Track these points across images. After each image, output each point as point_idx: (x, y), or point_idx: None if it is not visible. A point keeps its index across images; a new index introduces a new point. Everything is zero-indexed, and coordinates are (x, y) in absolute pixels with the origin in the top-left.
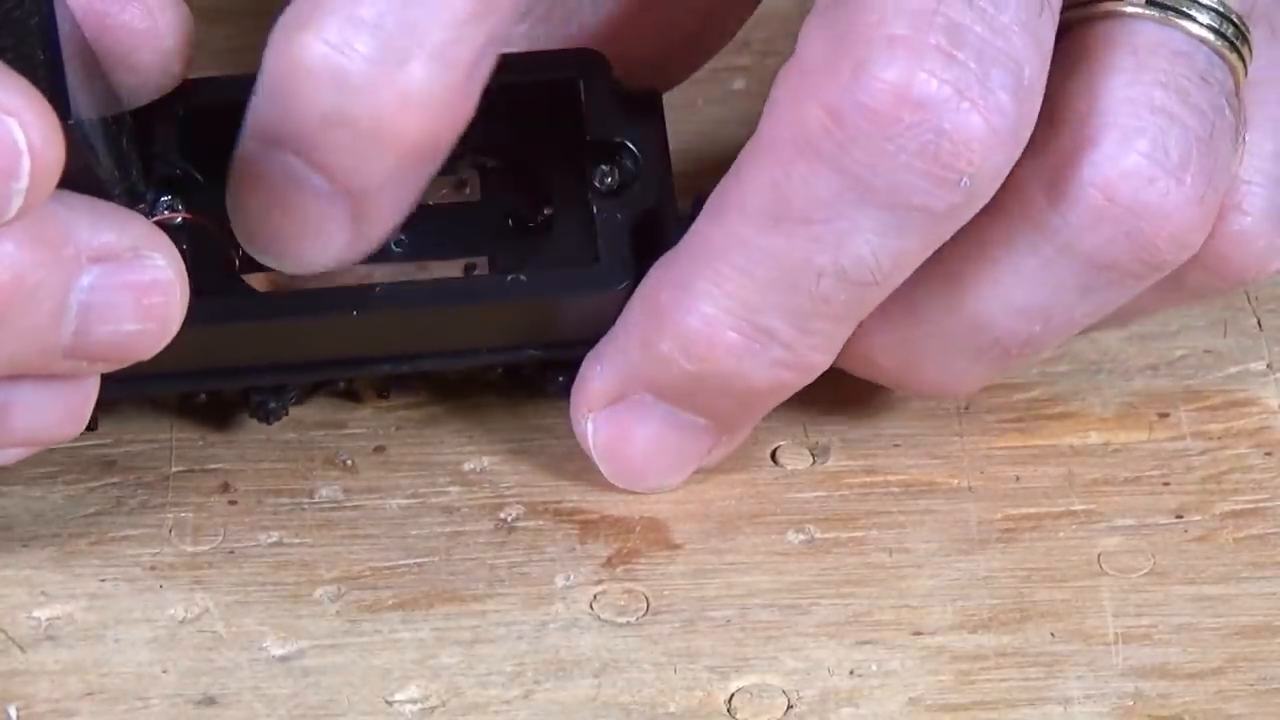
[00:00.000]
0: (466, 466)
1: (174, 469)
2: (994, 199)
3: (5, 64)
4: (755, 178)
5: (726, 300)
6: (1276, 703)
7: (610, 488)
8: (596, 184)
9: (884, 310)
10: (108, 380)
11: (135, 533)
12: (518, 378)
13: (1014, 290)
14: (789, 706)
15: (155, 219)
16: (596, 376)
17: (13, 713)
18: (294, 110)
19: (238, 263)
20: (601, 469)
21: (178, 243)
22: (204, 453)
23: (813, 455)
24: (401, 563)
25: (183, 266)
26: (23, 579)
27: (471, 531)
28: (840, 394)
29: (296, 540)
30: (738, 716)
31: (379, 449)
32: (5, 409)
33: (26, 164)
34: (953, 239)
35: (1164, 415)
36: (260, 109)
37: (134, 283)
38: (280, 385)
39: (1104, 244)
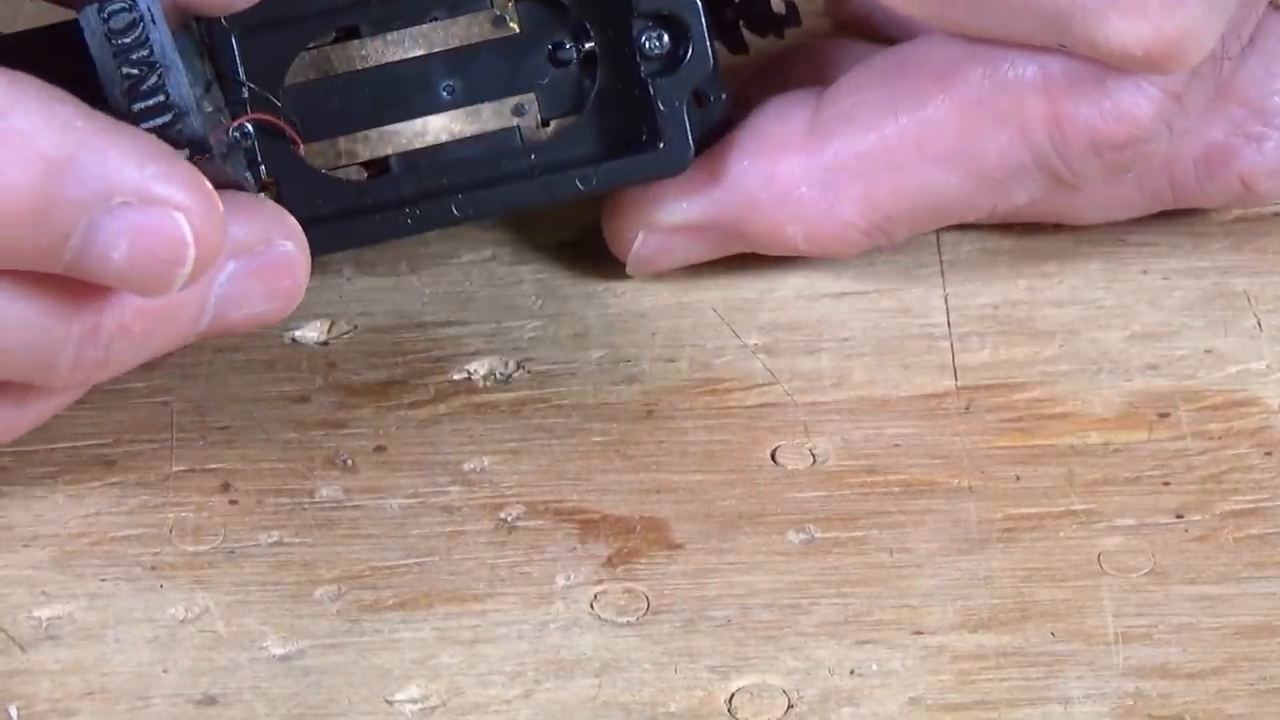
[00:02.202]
0: (466, 466)
1: (174, 469)
2: None
3: (159, 141)
4: (945, 117)
5: (872, 210)
6: (1276, 703)
7: (610, 488)
8: (645, 47)
9: None
10: None
11: (135, 533)
12: None
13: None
14: (789, 706)
15: (234, 123)
16: (672, 202)
17: (13, 712)
18: None
19: (301, 148)
20: (624, 263)
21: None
22: (204, 453)
23: (813, 455)
24: (402, 563)
25: (304, 239)
26: (23, 579)
27: (471, 531)
28: (840, 394)
29: (296, 540)
30: (738, 716)
31: (379, 449)
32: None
33: (192, 253)
34: None
35: (1164, 415)
36: None
37: (266, 270)
38: None
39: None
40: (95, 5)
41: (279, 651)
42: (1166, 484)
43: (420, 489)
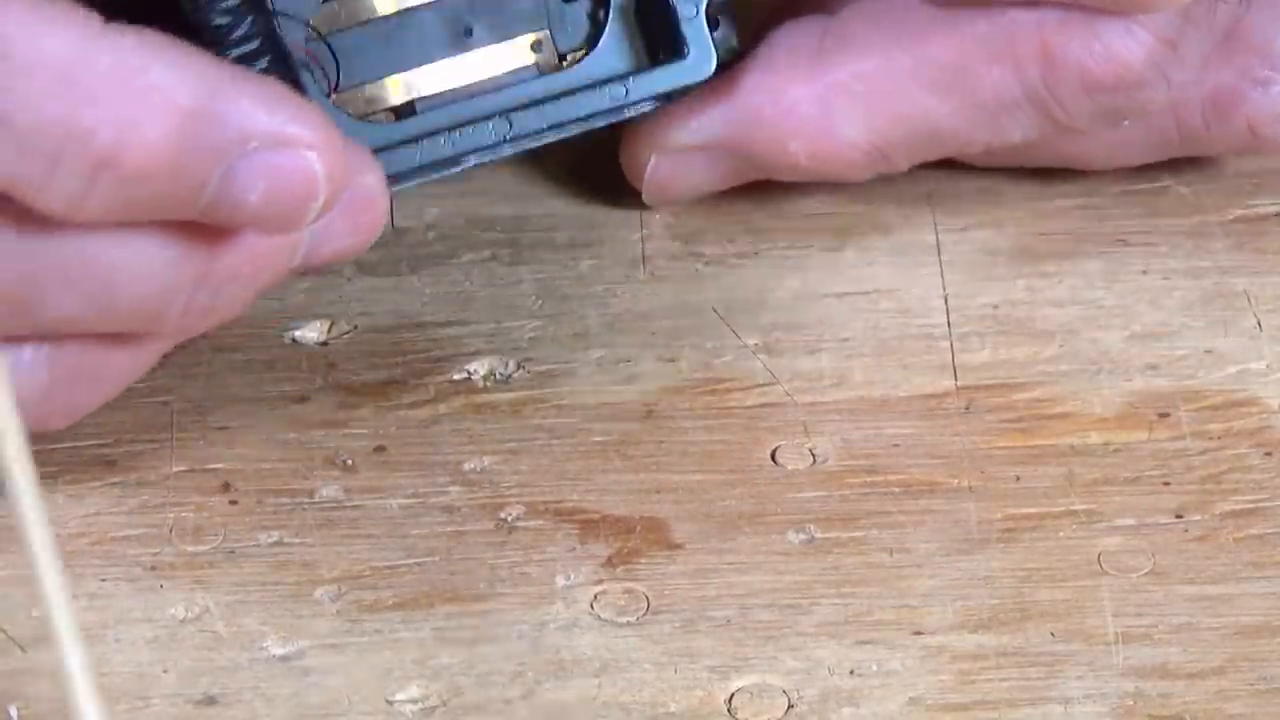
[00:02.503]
0: (466, 466)
1: (174, 469)
2: None
3: (282, 87)
4: (942, 51)
5: (872, 132)
6: (1276, 703)
7: (610, 488)
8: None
9: None
10: None
11: (135, 533)
12: None
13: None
14: (789, 706)
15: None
16: (683, 123)
17: (13, 713)
18: None
19: (333, 92)
20: (640, 189)
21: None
22: (204, 453)
23: (813, 455)
24: (401, 563)
25: (383, 174)
26: (23, 579)
27: (471, 531)
28: (840, 394)
29: (296, 540)
30: (738, 716)
31: (379, 449)
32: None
33: (324, 188)
34: None
35: (1164, 415)
36: None
37: (352, 207)
38: None
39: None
40: None
41: (279, 651)
42: (1166, 484)
43: (420, 489)
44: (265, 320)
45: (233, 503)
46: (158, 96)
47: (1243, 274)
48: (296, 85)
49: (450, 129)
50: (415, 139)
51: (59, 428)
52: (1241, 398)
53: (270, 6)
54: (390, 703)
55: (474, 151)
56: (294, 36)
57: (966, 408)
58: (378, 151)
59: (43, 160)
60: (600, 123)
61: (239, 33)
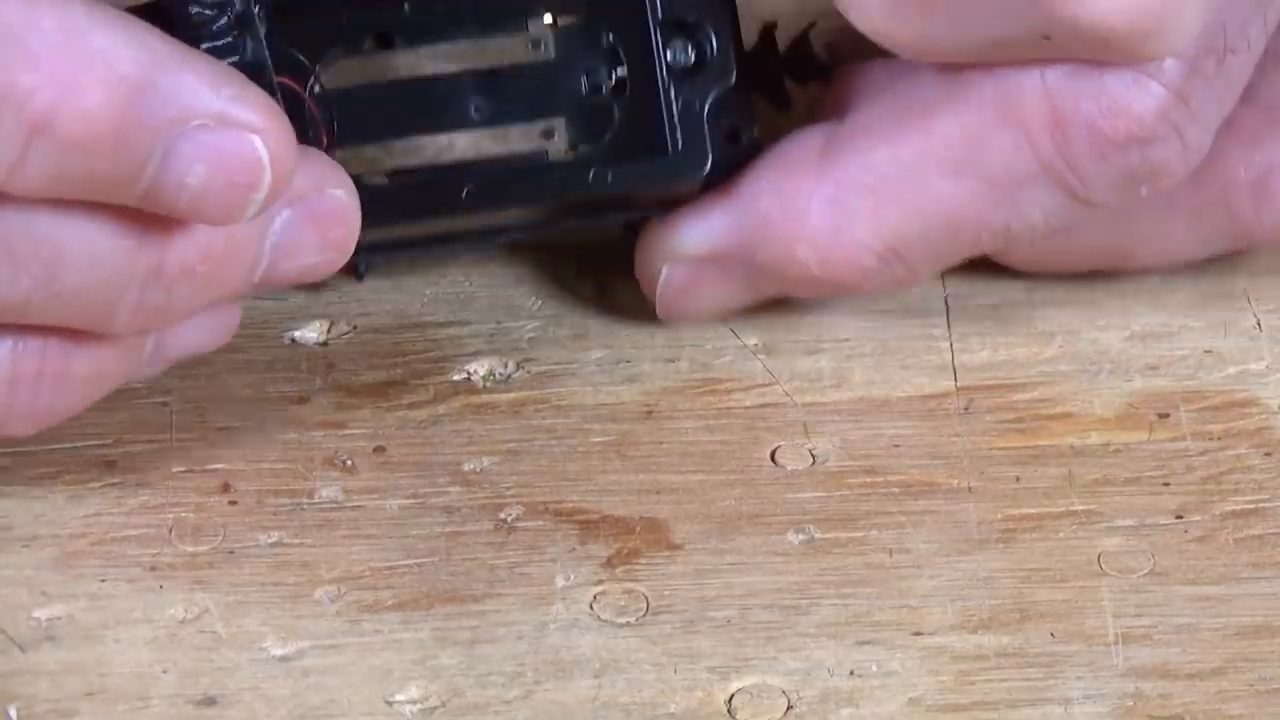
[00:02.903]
0: (466, 466)
1: (174, 469)
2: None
3: (231, 69)
4: (950, 127)
5: (885, 230)
6: (1277, 703)
7: (610, 488)
8: (670, 61)
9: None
10: None
11: (135, 533)
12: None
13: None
14: (789, 707)
15: (279, 79)
16: (691, 229)
17: (13, 713)
18: None
19: (325, 140)
20: (654, 303)
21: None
22: (204, 453)
23: (813, 455)
24: (401, 563)
25: (356, 191)
26: (23, 579)
27: (471, 531)
28: (840, 394)
29: (296, 540)
30: (738, 717)
31: (379, 449)
32: (163, 339)
33: (268, 176)
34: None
35: (1164, 415)
36: None
37: (319, 218)
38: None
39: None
40: None
41: (279, 652)
42: (1166, 484)
43: (420, 489)
44: (265, 320)
45: (233, 503)
46: (99, 62)
47: (1243, 274)
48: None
49: (436, 209)
50: (401, 211)
51: (21, 434)
52: (1241, 398)
53: (259, 33)
54: (390, 703)
55: (444, 209)
56: (297, 74)
57: (966, 408)
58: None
59: None
60: (592, 219)
61: (216, 25)
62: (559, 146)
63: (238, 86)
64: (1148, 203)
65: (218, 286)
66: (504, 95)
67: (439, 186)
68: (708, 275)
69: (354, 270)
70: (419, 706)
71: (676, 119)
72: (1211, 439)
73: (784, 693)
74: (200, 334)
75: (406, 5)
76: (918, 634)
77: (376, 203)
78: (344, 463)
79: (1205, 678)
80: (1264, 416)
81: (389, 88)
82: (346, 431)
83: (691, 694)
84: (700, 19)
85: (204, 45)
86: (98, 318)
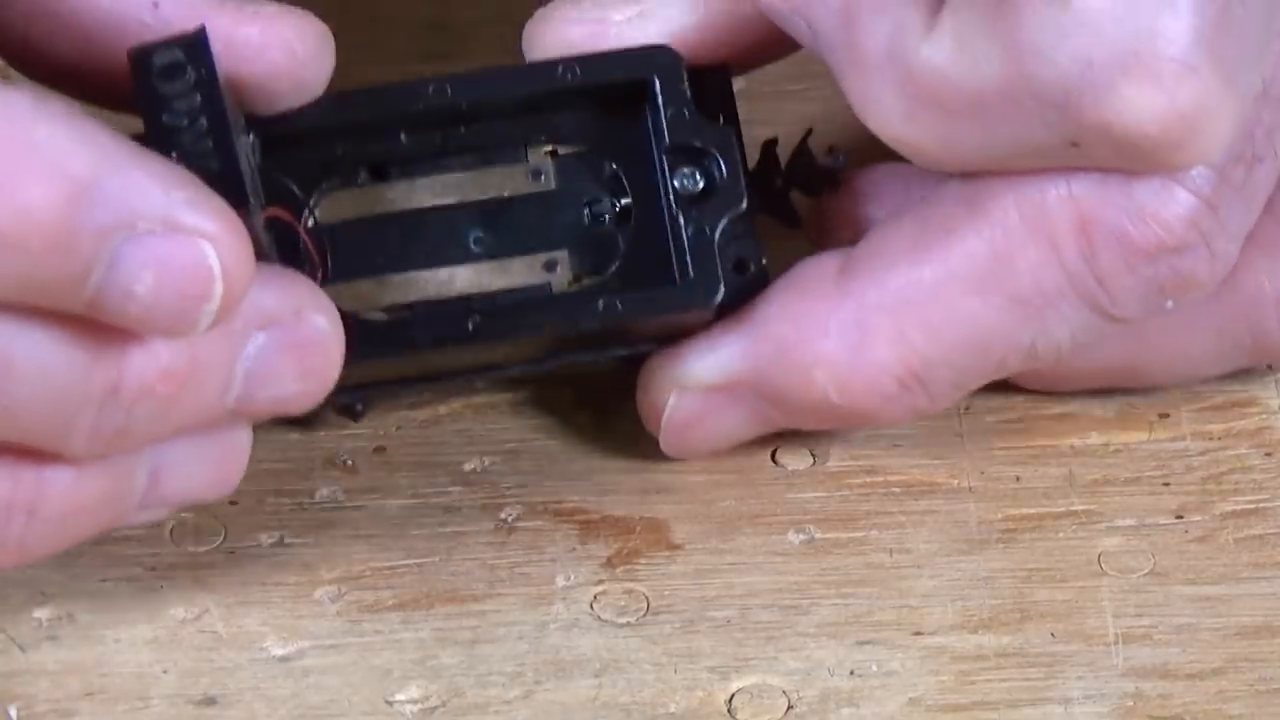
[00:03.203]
0: (466, 466)
1: None
2: None
3: (188, 170)
4: (974, 243)
5: (907, 353)
6: (1277, 703)
7: (610, 488)
8: (676, 186)
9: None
10: None
11: (135, 533)
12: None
13: (1178, 347)
14: (789, 707)
15: (267, 212)
16: (701, 358)
17: (13, 713)
18: None
19: (319, 274)
20: (659, 438)
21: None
22: None
23: (813, 455)
24: (401, 563)
25: (339, 320)
26: (23, 579)
27: (471, 531)
28: None
29: (296, 540)
30: (738, 717)
31: (379, 449)
32: (156, 474)
33: (220, 288)
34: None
35: (1164, 415)
36: None
37: (297, 345)
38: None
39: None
40: (148, 46)
41: (279, 652)
42: (1166, 484)
43: (420, 489)
44: None
45: (233, 503)
46: (43, 159)
47: None
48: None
49: (437, 343)
50: (400, 347)
51: (3, 567)
52: (1241, 398)
53: (233, 144)
54: (390, 703)
55: (447, 340)
56: (286, 208)
57: (966, 408)
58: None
59: None
60: (592, 354)
61: (189, 134)
62: (562, 279)
63: (191, 190)
64: (1168, 320)
65: (183, 411)
66: (504, 227)
67: (440, 321)
68: (717, 406)
69: (350, 412)
70: (419, 706)
71: (686, 246)
72: (1211, 439)
73: (784, 692)
74: (197, 477)
75: (403, 135)
76: (918, 634)
77: (375, 339)
78: (344, 463)
79: (1205, 678)
80: (1264, 416)
81: (385, 221)
82: (346, 431)
83: (691, 694)
84: (706, 145)
85: (175, 154)
86: (53, 437)
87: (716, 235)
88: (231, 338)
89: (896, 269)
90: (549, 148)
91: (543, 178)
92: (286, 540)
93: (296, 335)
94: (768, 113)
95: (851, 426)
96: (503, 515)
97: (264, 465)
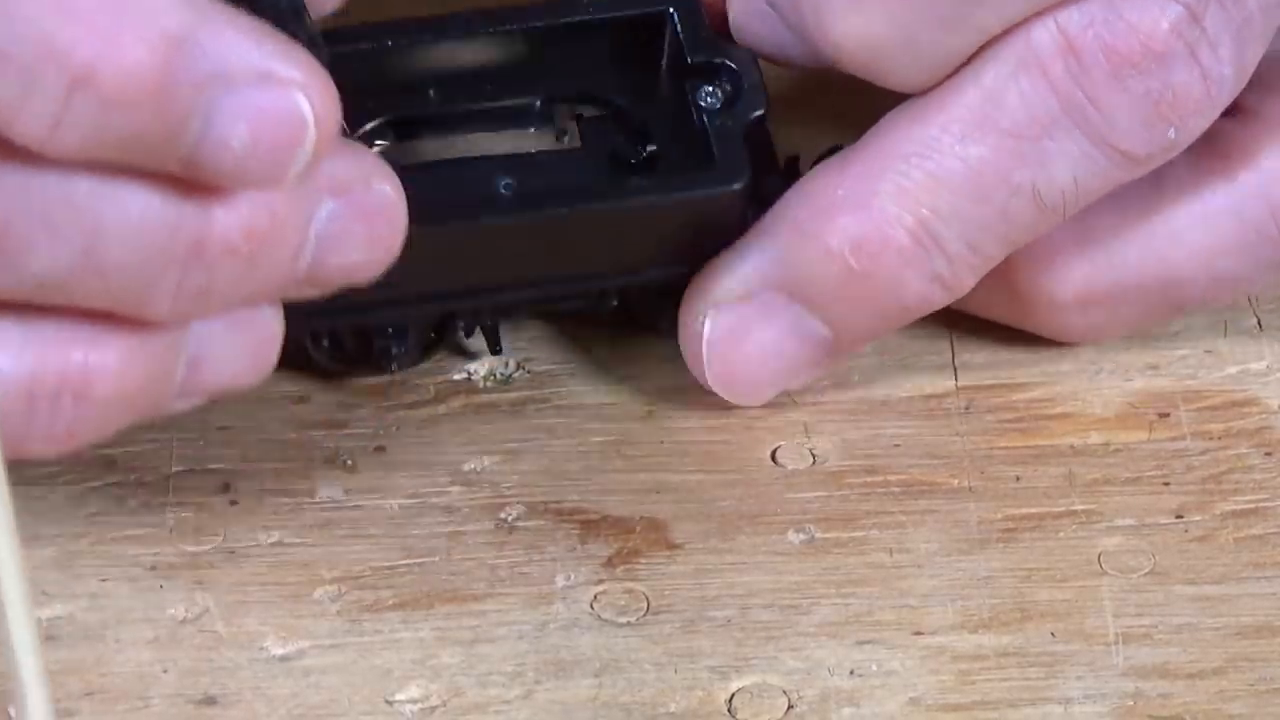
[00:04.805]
0: (466, 466)
1: (174, 469)
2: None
3: (271, 27)
4: (968, 90)
5: (911, 202)
6: (1276, 703)
7: (610, 488)
8: (701, 104)
9: (1080, 247)
10: None
11: (135, 533)
12: (629, 317)
13: (1204, 240)
14: (789, 706)
15: None
16: (729, 270)
17: (14, 713)
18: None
19: None
20: (705, 371)
21: None
22: (204, 453)
23: (813, 455)
24: (401, 563)
25: (403, 190)
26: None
27: (471, 531)
28: (840, 394)
29: (296, 540)
30: (738, 716)
31: (379, 449)
32: (196, 361)
33: (312, 135)
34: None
35: (1164, 415)
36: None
37: (365, 212)
38: (401, 330)
39: None
40: None
41: (279, 651)
42: (1166, 484)
43: (420, 489)
44: None
45: (233, 503)
46: (142, 17)
47: None
48: None
49: (462, 294)
50: (419, 300)
51: (41, 455)
52: (1241, 398)
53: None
54: (390, 703)
55: (482, 215)
56: None
57: (966, 408)
58: None
59: (18, 77)
60: (626, 279)
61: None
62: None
63: (281, 43)
64: (1187, 208)
65: (261, 274)
66: (534, 176)
67: (472, 181)
68: (753, 319)
69: (384, 360)
70: (419, 706)
71: (713, 143)
72: (1211, 439)
73: (784, 692)
74: (236, 360)
75: (431, 92)
76: (918, 633)
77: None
78: (344, 462)
79: (1205, 678)
80: (1264, 416)
81: (415, 170)
82: (347, 431)
83: (692, 693)
84: (726, 60)
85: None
86: (137, 298)
87: (741, 131)
88: (308, 199)
89: (897, 130)
90: (571, 113)
91: (567, 138)
92: (286, 540)
93: (365, 202)
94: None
95: (886, 314)
96: (503, 515)
97: (264, 465)
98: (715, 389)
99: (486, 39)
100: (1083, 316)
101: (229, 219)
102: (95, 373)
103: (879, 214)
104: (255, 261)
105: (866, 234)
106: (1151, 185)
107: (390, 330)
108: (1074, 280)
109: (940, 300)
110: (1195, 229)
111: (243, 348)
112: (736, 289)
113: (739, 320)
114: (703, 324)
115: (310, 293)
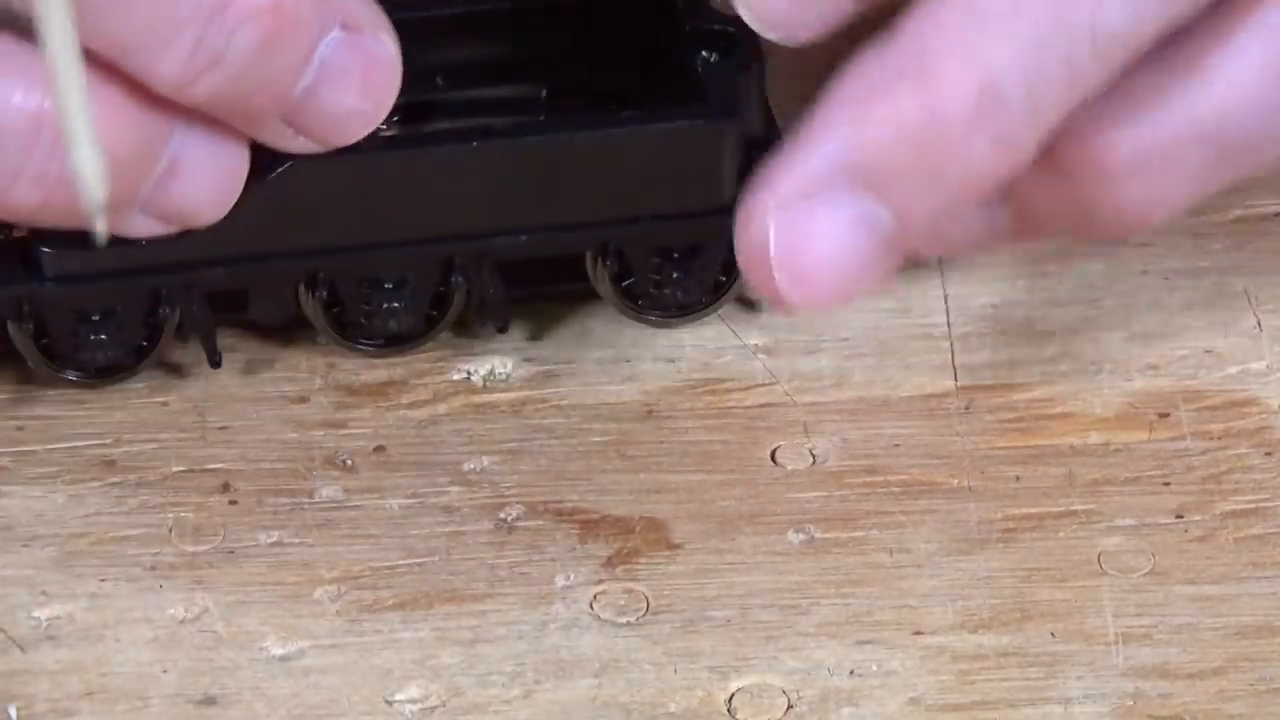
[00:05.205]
0: (466, 466)
1: (174, 469)
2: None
3: None
4: None
5: (969, 61)
6: (1276, 703)
7: (610, 488)
8: (698, 65)
9: (1124, 110)
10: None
11: (135, 533)
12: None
13: (1250, 81)
14: (789, 706)
15: None
16: (789, 167)
17: (13, 713)
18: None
19: None
20: (773, 277)
21: None
22: (204, 453)
23: (813, 455)
24: (401, 563)
25: (400, 52)
26: (23, 579)
27: (471, 531)
28: (840, 394)
29: (296, 540)
30: (738, 716)
31: (379, 449)
32: (174, 164)
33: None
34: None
35: (1164, 415)
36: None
37: (367, 56)
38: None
39: None
40: None
41: (279, 651)
42: (1166, 484)
43: (420, 489)
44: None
45: (233, 503)
46: None
47: (1243, 274)
48: None
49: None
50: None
51: (27, 203)
52: (1241, 398)
53: None
54: (390, 703)
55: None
56: None
57: (966, 408)
58: None
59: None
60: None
61: None
62: None
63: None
64: (1221, 57)
65: (265, 73)
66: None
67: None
68: (821, 213)
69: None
70: (419, 706)
71: (706, 82)
72: (1211, 439)
73: (784, 692)
74: (205, 182)
75: (439, 79)
76: (918, 633)
77: None
78: (344, 462)
79: (1205, 678)
80: (1264, 416)
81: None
82: (346, 431)
83: (691, 693)
84: (724, 25)
85: None
86: (150, 50)
87: (734, 73)
88: (324, 11)
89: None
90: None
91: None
92: (286, 540)
93: (369, 46)
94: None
95: (952, 187)
96: (503, 515)
97: (264, 465)
98: (786, 295)
99: (486, 28)
100: (1137, 187)
101: None
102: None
103: (940, 78)
104: (267, 47)
105: (930, 101)
106: (1187, 36)
107: (389, 286)
108: (1122, 144)
109: (1004, 168)
110: (1233, 71)
111: (214, 172)
112: (801, 183)
113: (805, 219)
114: (766, 229)
115: (296, 139)
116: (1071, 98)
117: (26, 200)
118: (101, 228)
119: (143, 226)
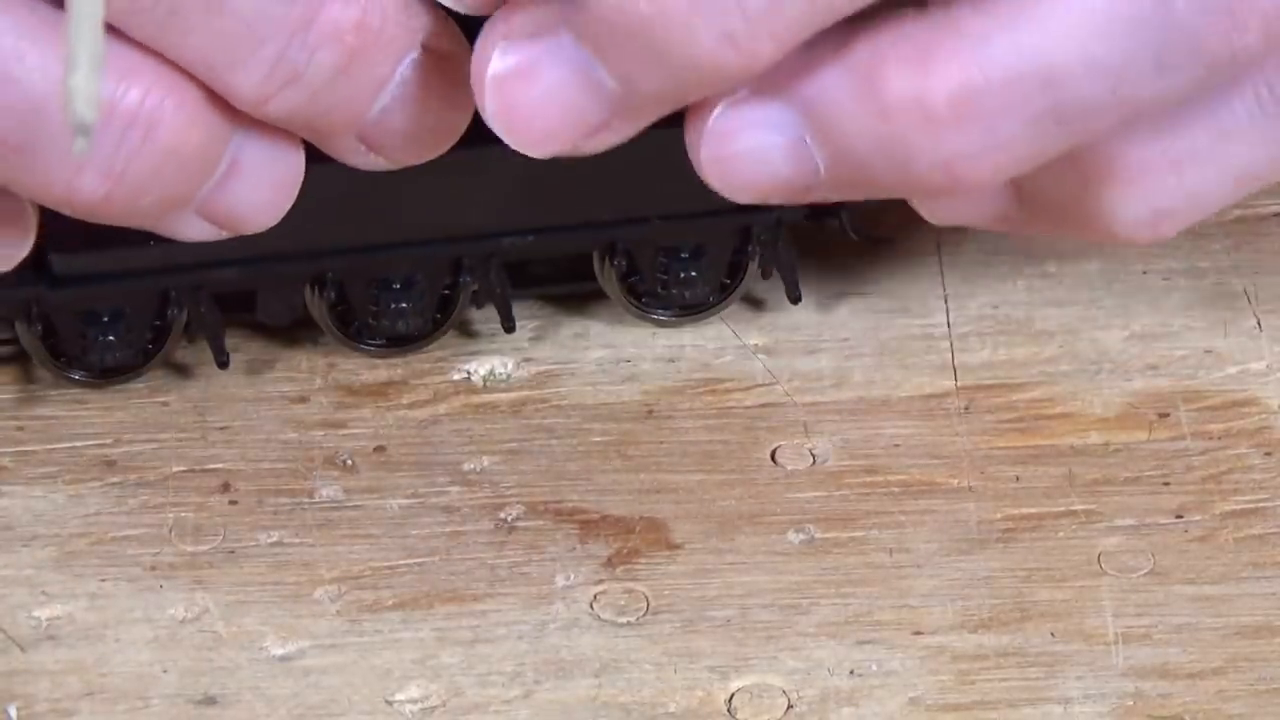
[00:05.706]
0: (466, 466)
1: (174, 469)
2: None
3: None
4: None
5: None
6: (1276, 703)
7: (610, 488)
8: None
9: (947, 45)
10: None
11: (135, 533)
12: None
13: (1085, 33)
14: (789, 706)
15: None
16: (525, 6)
17: (13, 713)
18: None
19: None
20: (488, 102)
21: None
22: (204, 453)
23: (813, 455)
24: (401, 563)
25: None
26: (23, 579)
27: (471, 531)
28: (840, 394)
29: (296, 540)
30: (738, 716)
31: (379, 449)
32: (234, 164)
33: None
34: None
35: (1164, 415)
36: None
37: (445, 77)
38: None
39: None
40: None
41: (279, 651)
42: (1166, 484)
43: (420, 489)
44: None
45: (233, 503)
46: None
47: (1243, 274)
48: None
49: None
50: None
51: (90, 192)
52: (1241, 398)
53: None
54: (390, 703)
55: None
56: None
57: (966, 408)
58: None
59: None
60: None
61: None
62: None
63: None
64: None
65: (346, 89)
66: None
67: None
68: (543, 58)
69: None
70: (419, 706)
71: None
72: (1211, 439)
73: (784, 692)
74: (262, 187)
75: None
76: (918, 633)
77: None
78: (344, 462)
79: (1205, 678)
80: (1264, 416)
81: None
82: (346, 431)
83: (691, 693)
84: None
85: None
86: (232, 63)
87: None
88: (410, 31)
89: None
90: None
91: None
92: (286, 540)
93: (448, 68)
94: None
95: (675, 71)
96: (503, 515)
97: (264, 465)
98: (493, 128)
99: None
100: (961, 136)
101: (343, 9)
102: (167, 115)
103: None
104: (351, 65)
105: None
106: None
107: (396, 286)
108: (943, 84)
109: (734, 68)
110: (1065, 17)
111: (272, 177)
112: (529, 23)
113: (527, 57)
114: (491, 55)
115: (363, 155)
116: (815, 17)
117: (91, 193)
118: (81, 148)
119: (194, 229)
